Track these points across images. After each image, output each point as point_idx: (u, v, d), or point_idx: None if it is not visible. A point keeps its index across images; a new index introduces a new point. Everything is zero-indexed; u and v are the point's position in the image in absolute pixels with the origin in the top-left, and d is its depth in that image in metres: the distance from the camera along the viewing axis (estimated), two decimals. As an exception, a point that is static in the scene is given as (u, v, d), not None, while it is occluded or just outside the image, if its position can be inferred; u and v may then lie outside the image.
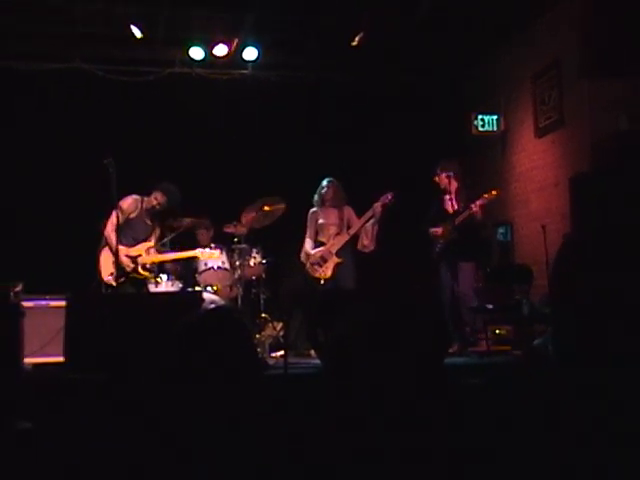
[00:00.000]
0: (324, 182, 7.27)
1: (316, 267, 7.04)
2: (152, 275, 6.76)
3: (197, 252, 6.90)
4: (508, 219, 8.89)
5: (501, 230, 9.01)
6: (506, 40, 8.69)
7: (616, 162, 6.86)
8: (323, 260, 7.04)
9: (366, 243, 7.03)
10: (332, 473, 2.42)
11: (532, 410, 2.75)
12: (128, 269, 6.66)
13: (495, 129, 9.00)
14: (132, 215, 6.85)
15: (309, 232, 7.25)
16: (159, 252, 6.92)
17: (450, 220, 6.97)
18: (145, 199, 6.93)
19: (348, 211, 7.21)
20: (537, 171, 8.32)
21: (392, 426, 2.52)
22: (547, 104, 8.11)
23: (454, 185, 7.12)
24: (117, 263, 6.37)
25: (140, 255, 6.77)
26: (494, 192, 6.97)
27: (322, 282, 7.00)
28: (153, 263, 6.85)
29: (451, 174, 7.09)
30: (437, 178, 7.16)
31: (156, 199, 6.86)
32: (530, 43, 8.35)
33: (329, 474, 2.43)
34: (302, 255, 7.22)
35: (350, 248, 7.11)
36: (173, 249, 6.97)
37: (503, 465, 2.48)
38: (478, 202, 6.83)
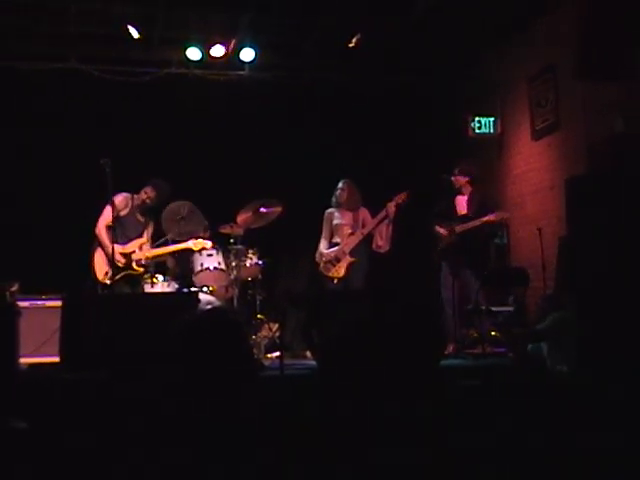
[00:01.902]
0: (340, 184, 7.33)
1: (329, 266, 7.12)
2: (148, 275, 6.76)
3: (189, 243, 6.91)
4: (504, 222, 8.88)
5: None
6: (505, 41, 8.67)
7: (611, 165, 6.87)
8: (337, 260, 7.10)
9: (380, 243, 7.08)
10: (329, 474, 2.43)
11: (519, 411, 2.76)
12: (120, 264, 6.67)
13: (492, 131, 8.98)
14: (123, 212, 6.89)
15: (324, 232, 7.33)
16: (152, 247, 6.96)
17: (456, 222, 7.03)
18: (135, 196, 6.97)
19: (364, 213, 7.25)
20: (533, 174, 8.33)
21: (388, 426, 2.53)
22: (543, 107, 8.12)
23: (469, 189, 7.19)
24: (112, 260, 6.40)
25: (134, 252, 6.81)
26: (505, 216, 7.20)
27: (335, 281, 7.08)
28: (147, 258, 6.87)
29: (468, 178, 7.18)
30: (454, 178, 7.22)
31: (146, 193, 6.93)
32: (529, 44, 8.32)
33: (325, 475, 2.43)
34: (317, 255, 7.28)
35: (364, 248, 7.17)
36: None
37: (496, 465, 2.49)
38: (493, 216, 6.93)
